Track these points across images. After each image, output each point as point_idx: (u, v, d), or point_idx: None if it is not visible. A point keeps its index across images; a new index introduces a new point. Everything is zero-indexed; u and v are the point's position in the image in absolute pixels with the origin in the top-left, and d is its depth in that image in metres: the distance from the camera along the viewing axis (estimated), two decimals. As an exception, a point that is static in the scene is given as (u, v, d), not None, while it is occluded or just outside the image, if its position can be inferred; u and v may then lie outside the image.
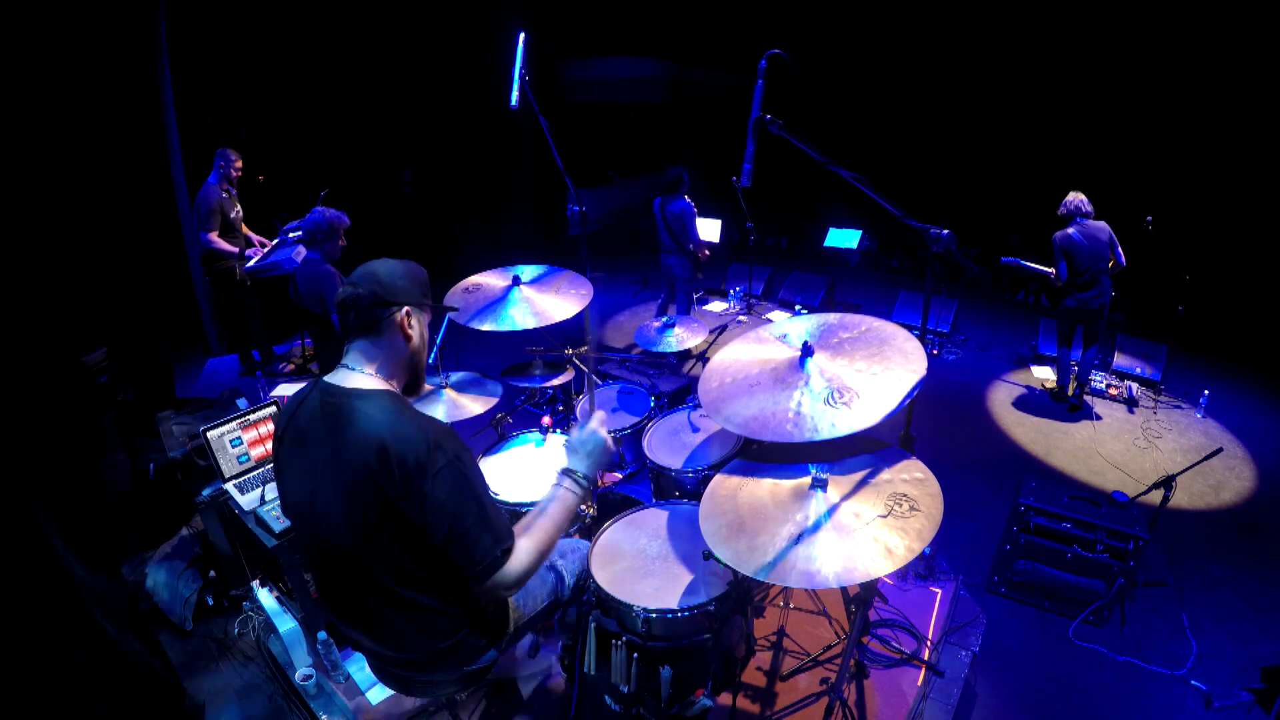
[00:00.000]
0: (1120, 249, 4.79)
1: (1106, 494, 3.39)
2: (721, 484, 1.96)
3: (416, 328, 1.60)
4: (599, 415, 1.82)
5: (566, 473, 1.73)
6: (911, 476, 1.82)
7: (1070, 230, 4.77)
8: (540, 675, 2.44)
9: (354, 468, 1.42)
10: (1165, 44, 6.70)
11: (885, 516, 1.69)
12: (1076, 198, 4.83)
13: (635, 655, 1.95)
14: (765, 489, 1.89)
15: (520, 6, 7.83)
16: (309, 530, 1.60)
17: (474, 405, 2.79)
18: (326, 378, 1.55)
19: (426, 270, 1.67)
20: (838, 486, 1.81)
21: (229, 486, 2.86)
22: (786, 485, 1.87)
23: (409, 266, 1.61)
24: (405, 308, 1.55)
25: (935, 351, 6.44)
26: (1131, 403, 5.43)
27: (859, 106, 8.91)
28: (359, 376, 1.52)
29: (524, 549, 1.53)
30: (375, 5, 6.99)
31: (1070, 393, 5.42)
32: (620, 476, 3.16)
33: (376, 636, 1.67)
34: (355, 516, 1.46)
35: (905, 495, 1.75)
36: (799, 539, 1.66)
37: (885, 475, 1.84)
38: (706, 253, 5.58)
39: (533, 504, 2.33)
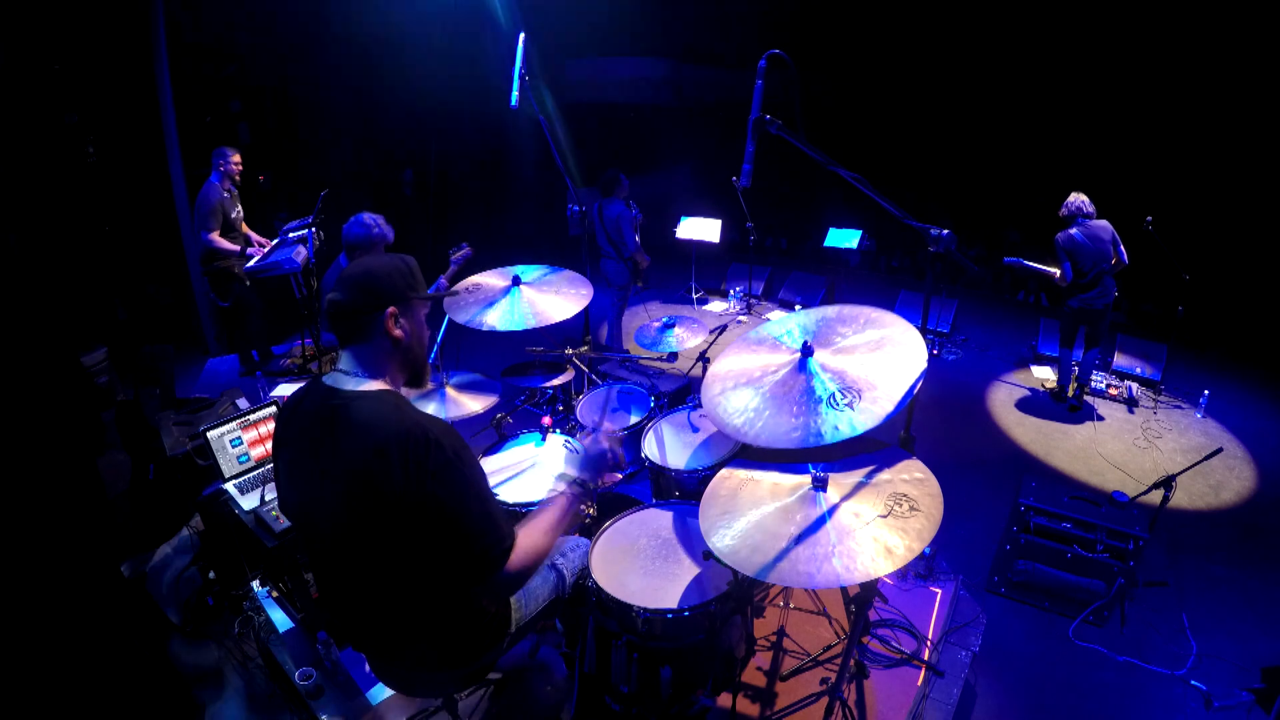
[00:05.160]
0: (1123, 247, 4.79)
1: (1106, 494, 3.39)
2: (722, 483, 1.96)
3: (406, 324, 1.57)
4: (609, 428, 1.84)
5: (569, 480, 1.76)
6: (911, 476, 1.82)
7: (1073, 230, 4.78)
8: (540, 675, 2.44)
9: (353, 469, 1.42)
10: (1165, 44, 6.69)
11: (885, 516, 1.69)
12: (1078, 198, 4.83)
13: (635, 655, 1.95)
14: (765, 488, 1.89)
15: (521, 6, 7.83)
16: (309, 531, 1.60)
17: (474, 405, 2.79)
18: (325, 379, 1.55)
19: (419, 264, 1.64)
20: (838, 486, 1.81)
21: (229, 486, 2.86)
22: (786, 485, 1.87)
23: (393, 263, 1.58)
24: (390, 308, 1.53)
25: (935, 351, 6.43)
26: (1131, 403, 5.43)
27: (859, 106, 8.90)
28: (356, 379, 1.52)
29: (522, 549, 1.53)
30: (375, 5, 6.99)
31: (1070, 393, 5.42)
32: (620, 476, 3.16)
33: (377, 636, 1.67)
34: (355, 517, 1.45)
35: (905, 495, 1.75)
36: (799, 539, 1.66)
37: (885, 475, 1.84)
38: (646, 260, 5.51)
39: (532, 504, 2.36)
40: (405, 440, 1.39)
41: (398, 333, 1.54)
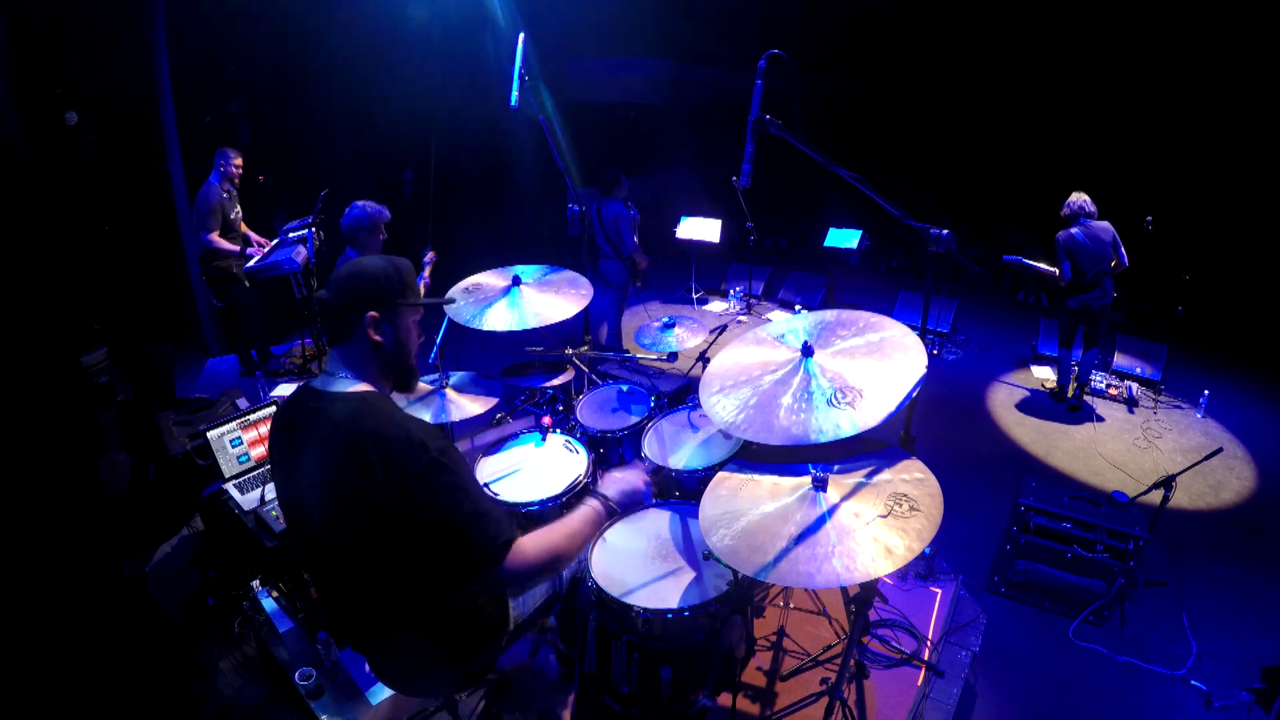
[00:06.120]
0: (1123, 249, 4.79)
1: (1106, 494, 3.39)
2: (722, 483, 1.96)
3: (390, 330, 1.53)
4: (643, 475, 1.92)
5: (600, 496, 1.77)
6: (911, 476, 1.82)
7: (1074, 230, 4.77)
8: (540, 675, 2.44)
9: (338, 472, 1.42)
10: (1165, 44, 6.69)
11: (885, 516, 1.68)
12: (1080, 198, 4.83)
13: (635, 655, 1.95)
14: (765, 489, 1.89)
15: (521, 6, 7.84)
16: (303, 534, 1.60)
17: (474, 405, 2.79)
18: (312, 383, 1.54)
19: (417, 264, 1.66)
20: (838, 486, 1.81)
21: (229, 486, 2.86)
22: (786, 485, 1.87)
23: (383, 266, 1.54)
24: (371, 312, 1.50)
25: (935, 351, 6.43)
26: (1131, 403, 5.43)
27: (858, 106, 8.90)
28: (340, 380, 1.51)
29: (533, 546, 1.51)
30: (375, 5, 6.99)
31: (1070, 393, 5.42)
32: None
33: (376, 637, 1.67)
34: (345, 520, 1.45)
35: (905, 495, 1.75)
36: (799, 539, 1.66)
37: (885, 475, 1.84)
38: (644, 260, 5.50)
39: (532, 504, 2.37)
40: (384, 443, 1.38)
41: (376, 338, 1.51)
